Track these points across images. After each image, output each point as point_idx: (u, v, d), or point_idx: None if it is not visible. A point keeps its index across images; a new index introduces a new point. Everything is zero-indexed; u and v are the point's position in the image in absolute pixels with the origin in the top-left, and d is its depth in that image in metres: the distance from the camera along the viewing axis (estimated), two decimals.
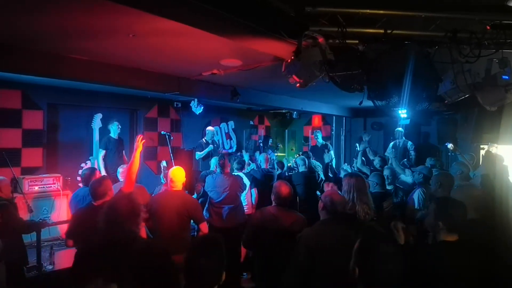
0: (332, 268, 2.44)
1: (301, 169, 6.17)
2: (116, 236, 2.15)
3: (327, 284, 2.47)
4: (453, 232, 2.21)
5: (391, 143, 8.26)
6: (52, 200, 5.58)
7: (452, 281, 2.08)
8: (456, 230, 2.22)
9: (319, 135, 8.86)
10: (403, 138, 8.16)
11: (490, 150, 6.33)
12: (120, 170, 4.82)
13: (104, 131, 6.77)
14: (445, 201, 2.52)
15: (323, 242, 2.53)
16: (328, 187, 4.06)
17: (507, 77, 3.57)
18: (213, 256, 1.76)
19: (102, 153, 6.38)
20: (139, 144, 3.36)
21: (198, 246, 1.82)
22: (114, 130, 6.54)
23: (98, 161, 6.36)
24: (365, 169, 6.64)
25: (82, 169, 6.62)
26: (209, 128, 7.62)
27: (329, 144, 8.96)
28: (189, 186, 5.30)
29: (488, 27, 3.13)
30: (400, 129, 8.19)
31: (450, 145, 6.48)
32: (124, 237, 2.15)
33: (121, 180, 4.75)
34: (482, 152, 7.88)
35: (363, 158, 7.38)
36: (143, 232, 3.67)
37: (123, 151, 6.72)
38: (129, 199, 2.27)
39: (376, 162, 6.52)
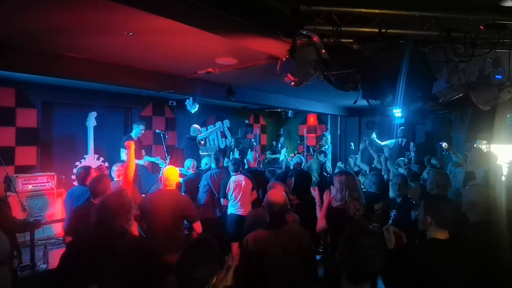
0: (274, 270, 2.45)
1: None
2: (106, 232, 2.15)
3: (272, 284, 2.47)
4: (443, 229, 2.22)
5: (393, 141, 8.30)
6: (46, 199, 5.54)
7: (441, 279, 2.09)
8: (446, 227, 2.22)
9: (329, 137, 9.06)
10: (406, 137, 8.21)
11: (480, 147, 6.36)
12: (115, 168, 4.80)
13: (99, 129, 6.73)
14: (434, 197, 2.61)
15: (262, 247, 2.49)
16: (314, 192, 3.91)
17: (500, 77, 3.59)
18: (206, 259, 1.75)
19: (125, 152, 6.22)
20: (131, 145, 3.62)
21: (192, 250, 1.80)
22: (137, 132, 6.42)
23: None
24: (364, 166, 6.69)
25: (76, 167, 6.60)
26: (194, 125, 7.67)
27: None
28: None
29: (482, 27, 3.15)
30: (403, 127, 8.24)
31: (444, 144, 6.51)
32: (113, 233, 2.15)
33: (115, 179, 4.72)
34: None
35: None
36: (135, 231, 3.68)
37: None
38: (120, 195, 2.27)
39: (376, 159, 6.57)
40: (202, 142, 7.51)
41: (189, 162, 5.84)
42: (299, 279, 2.52)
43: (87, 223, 3.00)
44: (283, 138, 10.29)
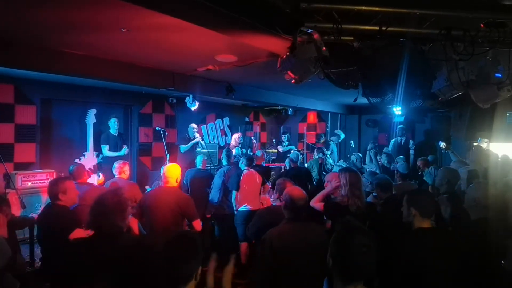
0: (297, 267, 2.44)
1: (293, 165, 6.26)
2: (102, 230, 2.15)
3: (294, 282, 2.45)
4: (426, 218, 2.38)
5: (392, 140, 8.30)
6: (46, 196, 5.54)
7: (429, 265, 2.17)
8: (429, 217, 2.39)
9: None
10: (405, 136, 8.21)
11: (481, 145, 6.37)
12: (116, 165, 4.79)
13: (98, 126, 6.73)
14: (415, 191, 2.88)
15: (287, 242, 2.49)
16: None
17: (500, 75, 3.59)
18: (188, 254, 1.72)
19: (106, 147, 6.45)
20: None
21: (172, 245, 1.76)
22: (113, 126, 6.58)
23: (105, 156, 6.48)
24: (373, 167, 6.72)
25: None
26: (192, 124, 7.64)
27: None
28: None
29: (482, 25, 3.15)
30: (401, 126, 8.24)
31: (442, 144, 6.53)
32: (109, 230, 2.15)
33: (116, 176, 4.72)
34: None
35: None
36: (135, 227, 3.68)
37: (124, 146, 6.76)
38: (116, 193, 2.27)
39: (383, 159, 6.61)
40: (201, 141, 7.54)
41: (200, 158, 5.83)
42: (319, 274, 2.53)
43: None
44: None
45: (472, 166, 4.92)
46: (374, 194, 4.04)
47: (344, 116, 11.25)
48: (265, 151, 7.68)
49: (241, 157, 5.61)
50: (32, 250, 4.13)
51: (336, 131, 9.57)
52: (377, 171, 6.13)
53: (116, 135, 6.63)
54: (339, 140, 9.57)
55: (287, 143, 10.00)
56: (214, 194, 5.39)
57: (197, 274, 1.73)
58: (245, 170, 5.23)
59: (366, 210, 3.36)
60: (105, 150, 6.45)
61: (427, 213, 2.39)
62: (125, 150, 6.61)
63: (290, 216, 2.63)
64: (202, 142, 7.58)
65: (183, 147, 7.33)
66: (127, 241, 2.24)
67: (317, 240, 2.56)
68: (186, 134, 7.54)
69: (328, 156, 8.23)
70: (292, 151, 7.41)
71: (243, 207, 5.09)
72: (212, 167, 7.31)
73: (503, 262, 2.34)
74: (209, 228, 5.61)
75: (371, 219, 3.36)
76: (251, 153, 7.72)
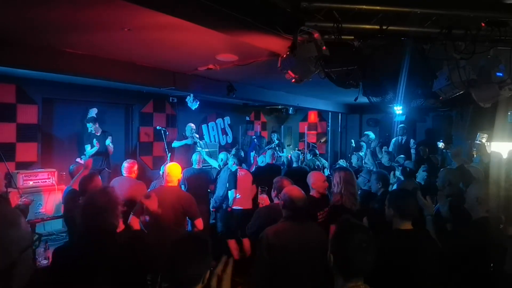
0: (295, 265, 2.45)
1: (294, 164, 6.27)
2: (95, 228, 2.14)
3: (292, 281, 2.45)
4: (406, 220, 2.36)
5: (393, 139, 8.29)
6: (47, 195, 5.55)
7: (405, 268, 2.16)
8: (409, 219, 2.36)
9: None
10: (406, 135, 8.20)
11: (481, 141, 6.38)
12: (126, 165, 4.76)
13: (101, 125, 6.73)
14: (397, 191, 2.83)
15: (284, 240, 2.49)
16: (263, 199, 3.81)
17: (501, 74, 3.58)
18: (195, 256, 1.70)
19: (89, 147, 6.33)
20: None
21: (180, 246, 1.75)
22: (90, 127, 6.40)
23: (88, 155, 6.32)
24: (373, 166, 6.70)
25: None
26: (190, 124, 7.62)
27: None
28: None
29: (483, 24, 3.14)
30: (402, 125, 8.23)
31: (441, 144, 6.53)
32: (103, 229, 2.15)
33: (125, 174, 4.70)
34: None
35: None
36: (137, 226, 3.69)
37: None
38: (106, 192, 2.27)
39: (385, 158, 6.58)
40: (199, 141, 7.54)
41: (195, 157, 5.82)
42: (319, 276, 2.51)
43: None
44: (276, 134, 10.43)
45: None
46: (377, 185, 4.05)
47: (345, 115, 11.24)
48: (276, 152, 7.69)
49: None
50: (33, 249, 4.14)
51: (365, 132, 9.50)
52: (374, 170, 6.12)
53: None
54: (368, 141, 9.40)
55: (277, 141, 10.00)
56: (220, 187, 5.42)
57: (204, 278, 1.70)
58: (239, 171, 5.32)
59: (361, 207, 3.39)
60: (88, 149, 6.27)
61: (405, 215, 2.36)
62: (108, 141, 6.40)
63: (288, 215, 2.63)
64: (201, 142, 7.57)
65: (176, 143, 7.38)
66: (121, 239, 2.24)
67: (316, 239, 2.56)
68: (183, 134, 7.54)
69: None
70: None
71: (236, 206, 5.17)
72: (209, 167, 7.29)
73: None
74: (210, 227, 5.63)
75: (368, 216, 3.36)
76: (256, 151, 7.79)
